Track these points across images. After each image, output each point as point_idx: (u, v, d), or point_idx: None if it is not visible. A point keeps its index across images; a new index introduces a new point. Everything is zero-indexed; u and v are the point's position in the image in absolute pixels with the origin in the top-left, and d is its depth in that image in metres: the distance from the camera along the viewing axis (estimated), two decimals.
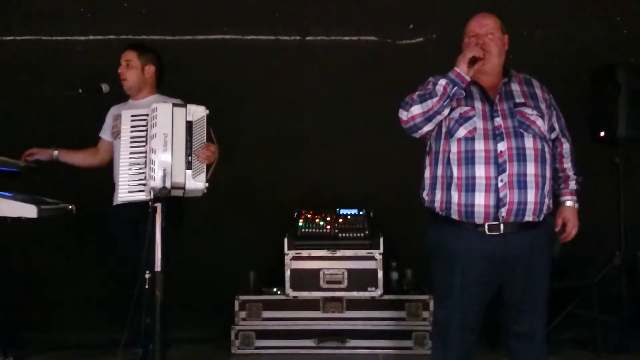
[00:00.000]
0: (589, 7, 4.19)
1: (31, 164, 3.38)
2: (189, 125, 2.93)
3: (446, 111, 2.42)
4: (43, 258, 4.01)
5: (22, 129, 4.02)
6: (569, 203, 2.57)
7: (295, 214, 3.93)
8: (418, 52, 4.17)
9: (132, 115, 3.07)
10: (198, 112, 2.97)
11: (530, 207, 2.38)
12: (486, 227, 2.39)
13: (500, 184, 2.36)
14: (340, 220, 3.87)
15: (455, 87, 2.38)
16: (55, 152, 3.44)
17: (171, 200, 3.00)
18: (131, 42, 3.67)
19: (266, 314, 3.72)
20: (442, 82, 2.39)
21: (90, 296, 4.01)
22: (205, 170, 2.94)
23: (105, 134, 3.51)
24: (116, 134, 3.36)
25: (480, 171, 2.37)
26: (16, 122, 4.03)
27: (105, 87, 3.36)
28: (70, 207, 3.31)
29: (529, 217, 2.40)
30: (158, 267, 2.87)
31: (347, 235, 3.79)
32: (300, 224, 3.86)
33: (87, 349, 3.72)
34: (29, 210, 2.85)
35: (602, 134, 3.78)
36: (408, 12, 4.23)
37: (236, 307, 3.72)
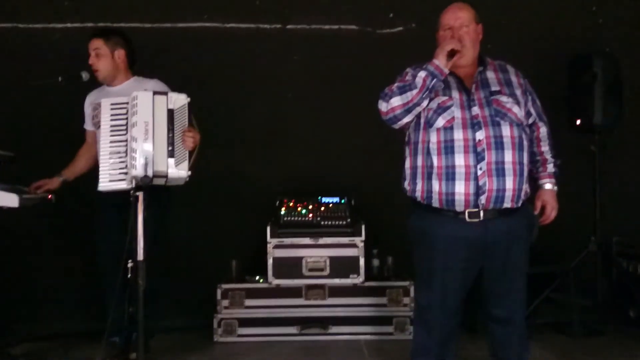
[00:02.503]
0: None
1: (7, 153, 3.32)
2: (170, 113, 2.93)
3: (425, 103, 2.45)
4: (22, 248, 3.97)
5: (1, 118, 3.97)
6: (547, 186, 2.63)
7: (277, 202, 3.94)
8: (398, 41, 4.19)
9: (112, 104, 3.05)
10: (179, 100, 2.97)
11: (508, 193, 2.43)
12: (466, 214, 2.44)
13: (479, 172, 2.41)
14: (322, 208, 3.90)
15: (435, 80, 2.42)
16: (61, 179, 3.37)
17: (159, 189, 3.00)
18: (95, 29, 3.59)
19: (249, 302, 3.74)
20: (422, 74, 2.42)
21: (70, 286, 3.99)
22: (187, 158, 2.95)
23: (87, 124, 3.46)
24: (97, 123, 3.30)
25: (459, 160, 2.42)
26: None
27: (85, 75, 3.32)
28: (50, 196, 3.29)
29: (507, 204, 2.45)
30: (140, 256, 2.88)
31: (329, 223, 3.82)
32: (282, 212, 3.87)
33: (68, 338, 3.69)
34: (10, 200, 2.84)
35: (578, 122, 3.85)
36: (388, 1, 4.24)
37: (218, 296, 3.73)
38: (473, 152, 2.41)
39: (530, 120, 2.61)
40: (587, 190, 3.88)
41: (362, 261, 3.74)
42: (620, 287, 3.90)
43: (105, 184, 2.99)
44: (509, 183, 2.42)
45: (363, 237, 3.75)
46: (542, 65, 4.10)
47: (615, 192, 4.06)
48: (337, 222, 3.82)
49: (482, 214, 2.43)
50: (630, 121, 4.05)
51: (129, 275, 2.86)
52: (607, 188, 3.92)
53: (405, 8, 4.20)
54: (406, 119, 2.48)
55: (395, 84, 2.48)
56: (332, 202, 3.93)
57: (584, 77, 3.80)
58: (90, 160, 3.42)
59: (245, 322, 3.72)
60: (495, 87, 2.51)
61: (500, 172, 2.41)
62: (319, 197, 3.95)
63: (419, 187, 2.51)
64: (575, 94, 3.89)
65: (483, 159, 2.41)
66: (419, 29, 4.17)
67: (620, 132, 4.02)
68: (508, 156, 2.42)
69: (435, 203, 2.47)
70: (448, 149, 2.43)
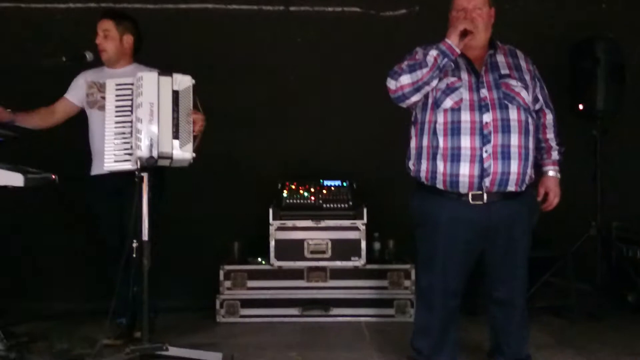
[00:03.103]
0: None
1: (10, 133, 3.32)
2: (176, 94, 2.94)
3: (435, 82, 2.46)
4: (26, 228, 3.99)
5: (2, 97, 3.96)
6: (551, 173, 2.65)
7: (280, 185, 3.96)
8: (401, 23, 4.18)
9: (117, 84, 3.06)
10: (184, 82, 2.98)
11: (513, 177, 2.45)
12: (470, 196, 2.46)
13: (484, 155, 2.43)
14: (324, 191, 3.91)
15: (446, 59, 2.42)
16: (11, 116, 3.23)
17: (153, 173, 3.00)
18: (106, 9, 3.58)
19: (251, 283, 3.77)
20: (433, 53, 2.42)
21: (73, 266, 4.02)
22: (192, 140, 2.96)
23: (72, 97, 3.38)
24: (93, 103, 3.30)
25: (465, 142, 2.43)
26: None
27: (89, 56, 3.30)
28: (53, 176, 3.29)
29: (511, 187, 2.47)
30: (145, 236, 2.91)
31: (331, 206, 3.84)
32: (284, 195, 3.89)
33: (72, 317, 3.73)
34: (15, 179, 2.84)
35: (580, 107, 3.86)
36: None
37: (221, 277, 3.76)
38: (479, 134, 2.43)
39: (537, 107, 2.62)
40: (588, 175, 3.90)
41: (363, 244, 3.77)
42: (619, 272, 3.94)
43: (110, 164, 3.01)
44: (514, 166, 2.44)
45: (365, 220, 3.77)
46: (545, 51, 4.09)
47: (616, 177, 4.08)
48: (338, 205, 3.84)
49: (485, 196, 2.45)
50: (632, 106, 4.06)
51: (134, 255, 2.89)
52: (608, 173, 3.94)
53: None
54: (414, 98, 2.49)
55: (405, 62, 2.49)
56: (334, 185, 3.95)
57: (586, 63, 3.81)
58: (44, 123, 3.34)
59: (248, 303, 3.76)
60: (504, 71, 2.53)
61: (506, 155, 2.43)
62: (321, 180, 3.96)
63: (423, 167, 2.53)
64: (578, 79, 3.90)
65: (489, 141, 2.42)
66: (421, 12, 4.17)
67: (622, 117, 4.04)
68: (514, 139, 2.44)
69: (440, 184, 2.49)
70: (455, 130, 2.44)
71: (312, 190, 3.92)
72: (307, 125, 4.21)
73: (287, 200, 3.87)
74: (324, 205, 3.84)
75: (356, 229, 3.78)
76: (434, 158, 2.49)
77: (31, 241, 4.01)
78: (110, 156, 3.00)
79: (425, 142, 2.52)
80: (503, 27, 3.94)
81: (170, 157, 2.91)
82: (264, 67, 4.18)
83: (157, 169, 3.00)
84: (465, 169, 2.43)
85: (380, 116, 3.83)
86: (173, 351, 2.93)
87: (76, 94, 3.39)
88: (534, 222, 3.86)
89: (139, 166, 2.88)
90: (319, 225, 3.78)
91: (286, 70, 4.21)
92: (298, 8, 4.23)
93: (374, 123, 4.03)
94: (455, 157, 2.44)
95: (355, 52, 4.17)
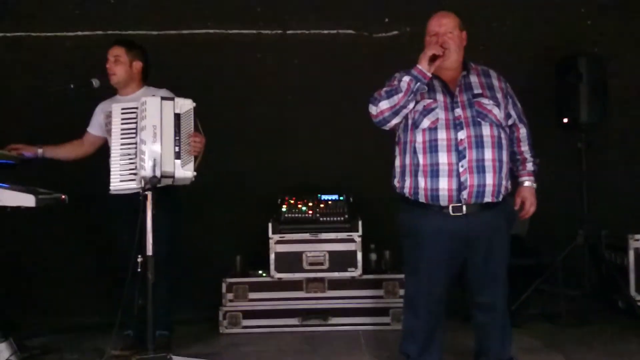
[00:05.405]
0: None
1: (23, 157, 3.51)
2: (177, 117, 3.12)
3: (411, 105, 2.63)
4: (37, 244, 4.16)
5: (13, 124, 4.15)
6: (527, 183, 2.80)
7: (279, 200, 4.11)
8: (393, 44, 4.36)
9: (123, 109, 3.24)
10: (185, 105, 3.16)
11: (489, 189, 2.61)
12: (450, 208, 2.62)
13: (461, 169, 2.59)
14: (322, 205, 4.07)
15: (418, 83, 2.60)
16: (40, 150, 3.52)
17: (166, 191, 3.17)
18: (118, 38, 3.80)
19: (252, 295, 3.92)
20: (406, 79, 2.60)
21: (82, 281, 4.18)
22: (193, 160, 3.13)
23: (93, 129, 3.60)
24: (110, 131, 3.42)
25: (443, 158, 2.60)
26: (6, 118, 4.15)
27: (95, 82, 3.47)
28: (63, 197, 3.45)
29: (488, 198, 2.63)
30: (150, 252, 3.07)
31: (328, 219, 3.99)
32: (283, 209, 4.05)
33: (81, 331, 3.86)
34: (27, 200, 3.00)
35: (565, 120, 4.00)
36: (383, 7, 4.41)
37: (224, 289, 3.91)
38: (455, 151, 2.59)
39: (510, 122, 2.78)
40: (575, 185, 4.03)
41: (359, 255, 3.92)
42: (608, 279, 4.05)
43: (116, 184, 3.18)
44: (489, 179, 2.60)
45: (360, 232, 3.92)
46: (532, 66, 4.29)
47: (601, 187, 4.21)
48: (335, 219, 3.99)
49: (464, 208, 2.61)
50: (615, 119, 4.21)
51: (139, 270, 3.04)
52: (594, 183, 4.07)
53: (399, 13, 4.37)
54: (394, 121, 2.67)
55: (384, 89, 2.67)
56: (331, 200, 4.10)
57: (570, 77, 3.93)
58: (73, 154, 3.60)
59: (249, 314, 3.90)
60: (477, 90, 2.69)
61: (481, 169, 2.59)
62: (319, 195, 4.11)
63: (407, 184, 2.70)
64: (562, 93, 4.03)
65: (465, 157, 2.59)
66: (413, 33, 4.33)
67: (606, 130, 4.18)
68: (488, 154, 2.60)
69: (422, 198, 2.65)
70: (432, 147, 2.61)
71: (310, 204, 4.07)
72: (305, 142, 4.38)
73: (286, 215, 4.03)
74: (321, 219, 4.00)
75: (352, 240, 3.93)
76: (415, 175, 2.65)
77: (43, 258, 4.19)
78: (116, 176, 3.16)
79: (407, 161, 2.69)
80: (493, 45, 4.19)
81: (173, 176, 3.08)
82: (264, 87, 4.37)
83: (170, 188, 3.17)
84: (444, 184, 2.60)
85: (375, 133, 3.94)
86: None
87: (96, 125, 3.59)
88: (524, 231, 4.03)
89: (143, 185, 3.05)
90: (317, 238, 3.94)
91: (284, 90, 4.39)
92: (295, 31, 4.41)
93: (369, 140, 4.15)
94: (434, 172, 2.61)
95: (349, 72, 4.34)
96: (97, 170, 3.50)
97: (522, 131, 2.80)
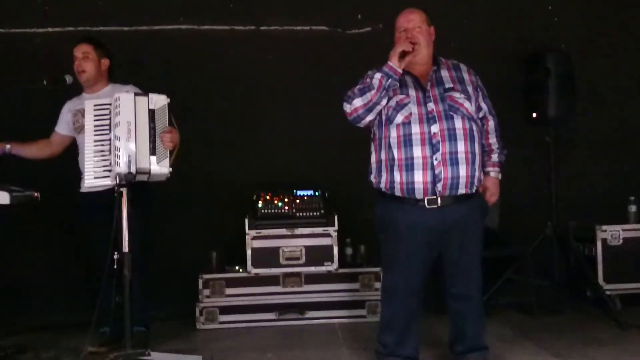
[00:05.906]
0: None
1: None
2: (152, 113, 3.11)
3: (384, 101, 2.68)
4: (10, 243, 4.10)
5: None
6: (492, 174, 2.88)
7: (255, 196, 4.12)
8: (366, 40, 4.40)
9: (95, 105, 3.22)
10: (160, 101, 3.16)
11: (462, 181, 2.67)
12: (425, 201, 2.68)
13: (435, 162, 2.65)
14: (298, 201, 4.10)
15: (390, 80, 2.64)
16: (8, 146, 3.47)
17: (139, 188, 3.17)
18: (85, 35, 3.76)
19: (229, 290, 3.93)
20: (378, 76, 2.65)
21: (56, 279, 4.15)
22: (168, 155, 3.13)
23: (61, 128, 3.56)
24: (79, 128, 3.43)
25: (417, 152, 2.65)
26: None
27: (68, 79, 3.45)
28: (35, 194, 3.42)
29: (462, 190, 2.69)
30: (126, 249, 3.06)
31: (304, 214, 4.03)
32: (259, 205, 4.06)
33: (56, 329, 3.83)
34: (2, 197, 2.97)
35: (534, 115, 4.09)
36: (356, 3, 4.46)
37: (200, 285, 3.92)
38: (429, 144, 2.65)
39: (481, 114, 2.85)
40: (544, 178, 4.13)
41: (335, 250, 3.96)
42: (577, 269, 4.16)
43: (90, 181, 3.16)
44: (463, 171, 2.66)
45: (336, 227, 3.96)
46: (501, 63, 4.37)
47: (569, 180, 4.33)
48: (311, 214, 4.02)
49: (439, 200, 2.67)
50: (582, 114, 4.32)
51: (115, 267, 3.03)
52: (562, 176, 4.18)
53: (372, 9, 4.40)
54: (369, 118, 2.72)
55: (357, 87, 2.72)
56: (307, 195, 4.13)
57: (538, 73, 4.03)
58: (41, 154, 3.56)
59: (226, 310, 3.91)
60: (449, 84, 2.75)
61: (454, 162, 2.65)
62: (294, 191, 4.14)
63: (383, 178, 2.74)
64: (531, 89, 4.13)
65: (438, 150, 2.65)
66: (385, 29, 4.36)
67: (573, 124, 4.29)
68: (461, 146, 2.66)
69: (398, 192, 2.70)
70: (407, 142, 2.66)
71: (286, 200, 4.10)
72: (280, 139, 4.40)
73: (262, 210, 4.04)
74: (298, 214, 4.03)
75: (328, 235, 3.97)
76: (391, 169, 2.70)
77: (17, 256, 4.13)
78: (90, 173, 3.14)
79: (383, 156, 2.74)
80: (463, 41, 4.26)
81: (148, 173, 3.08)
82: (237, 84, 4.37)
83: (142, 184, 3.16)
84: (419, 177, 2.65)
85: (349, 129, 3.99)
86: (155, 356, 3.07)
87: (64, 125, 3.55)
88: (496, 224, 4.10)
89: (118, 182, 3.03)
90: (293, 233, 3.96)
91: (258, 87, 4.40)
92: (268, 27, 4.42)
93: (343, 136, 4.17)
94: (409, 166, 2.66)
95: (323, 68, 4.38)
96: (68, 168, 3.49)
97: (491, 123, 2.87)
